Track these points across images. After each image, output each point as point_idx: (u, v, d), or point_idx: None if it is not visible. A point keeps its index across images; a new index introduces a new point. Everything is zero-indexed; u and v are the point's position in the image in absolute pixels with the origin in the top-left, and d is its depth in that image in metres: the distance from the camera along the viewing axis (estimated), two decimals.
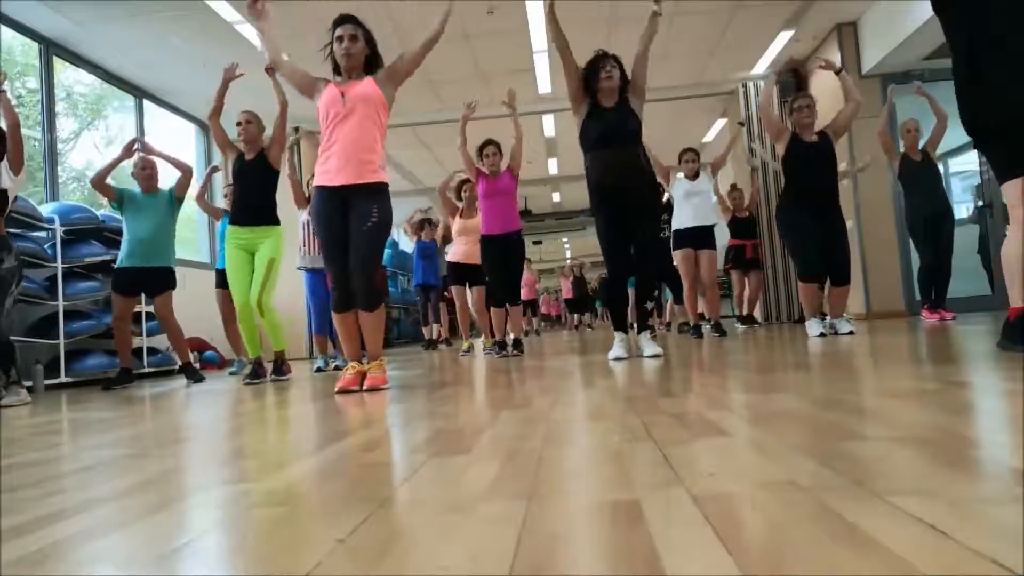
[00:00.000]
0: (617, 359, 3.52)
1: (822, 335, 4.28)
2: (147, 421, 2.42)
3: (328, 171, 2.87)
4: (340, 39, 2.87)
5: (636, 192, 3.55)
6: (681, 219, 5.79)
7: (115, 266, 4.64)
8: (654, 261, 3.80)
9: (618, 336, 3.67)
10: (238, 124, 4.11)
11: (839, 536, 0.66)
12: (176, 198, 4.75)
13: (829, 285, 4.47)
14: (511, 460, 1.15)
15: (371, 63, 2.97)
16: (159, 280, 4.66)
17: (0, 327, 3.58)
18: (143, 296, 5.14)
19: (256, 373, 4.05)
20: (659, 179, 5.15)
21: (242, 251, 4.09)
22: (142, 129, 7.28)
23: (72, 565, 0.77)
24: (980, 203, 6.73)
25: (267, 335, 4.15)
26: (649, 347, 3.57)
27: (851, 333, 4.28)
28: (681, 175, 5.91)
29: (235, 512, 0.98)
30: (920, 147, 5.50)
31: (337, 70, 2.96)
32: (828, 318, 4.52)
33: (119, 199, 4.62)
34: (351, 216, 2.85)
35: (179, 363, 5.13)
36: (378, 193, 2.87)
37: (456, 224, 5.79)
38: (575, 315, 15.74)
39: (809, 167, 4.33)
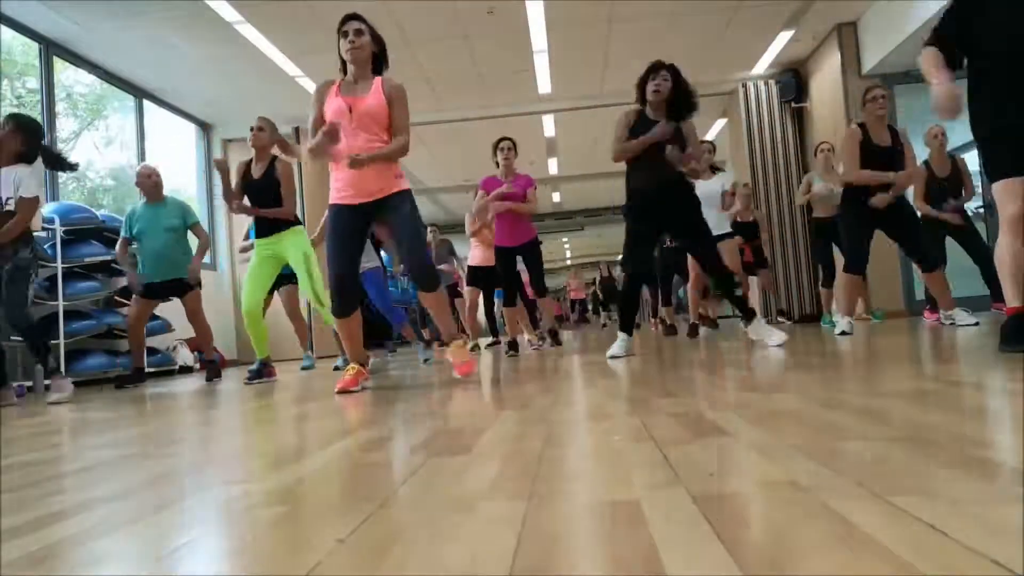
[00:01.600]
0: (613, 357, 3.57)
1: (843, 334, 4.24)
2: (147, 421, 2.42)
3: (345, 192, 2.88)
4: (346, 34, 2.88)
5: (674, 191, 3.61)
6: None
7: (141, 282, 4.64)
8: (715, 255, 3.75)
9: (621, 336, 3.72)
10: (251, 129, 4.15)
11: (839, 536, 0.66)
12: (187, 225, 4.76)
13: (922, 274, 4.30)
14: (511, 460, 1.15)
15: (378, 61, 2.97)
16: (184, 285, 4.71)
17: (28, 315, 3.64)
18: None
19: (260, 373, 4.09)
20: None
21: (270, 259, 4.16)
22: (142, 129, 7.27)
23: (72, 565, 0.77)
24: (980, 203, 6.72)
25: (298, 336, 4.19)
26: (773, 336, 3.56)
27: (976, 324, 4.09)
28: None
29: (235, 512, 0.98)
30: (948, 153, 5.26)
31: (344, 68, 2.96)
32: (840, 315, 4.43)
33: (129, 229, 4.64)
34: (388, 219, 2.92)
35: (179, 364, 5.14)
36: (402, 197, 2.91)
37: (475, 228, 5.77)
38: (601, 311, 15.95)
39: (877, 166, 4.15)
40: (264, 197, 4.12)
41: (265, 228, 4.17)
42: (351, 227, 2.89)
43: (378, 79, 2.93)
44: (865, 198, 4.16)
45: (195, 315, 4.74)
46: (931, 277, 4.27)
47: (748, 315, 3.75)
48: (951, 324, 4.24)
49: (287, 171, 4.17)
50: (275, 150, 4.20)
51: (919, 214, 5.03)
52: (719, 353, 3.59)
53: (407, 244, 2.92)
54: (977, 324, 4.10)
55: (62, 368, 3.79)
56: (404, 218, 2.90)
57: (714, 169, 5.78)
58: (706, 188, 5.68)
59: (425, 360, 4.74)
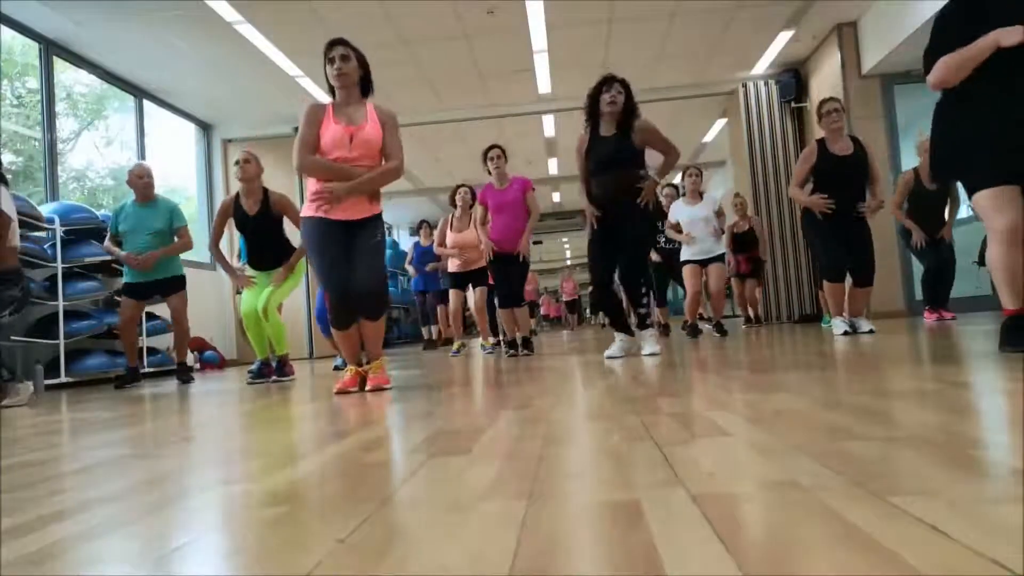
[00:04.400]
0: (611, 357, 3.60)
1: (845, 333, 4.28)
2: (147, 421, 2.42)
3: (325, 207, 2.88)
4: (332, 60, 2.87)
5: (624, 206, 3.64)
6: (684, 250, 5.77)
7: (124, 281, 4.67)
8: (636, 274, 3.85)
9: (618, 336, 3.75)
10: (236, 163, 4.08)
11: (839, 536, 0.66)
12: (171, 228, 4.73)
13: (850, 285, 4.41)
14: (511, 460, 1.15)
15: (364, 85, 2.97)
16: (172, 285, 4.72)
17: None
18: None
19: (261, 373, 4.10)
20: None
21: (264, 279, 4.20)
22: (142, 129, 7.28)
23: (72, 565, 0.77)
24: None
25: (271, 338, 4.18)
26: (648, 345, 3.63)
27: (871, 331, 4.28)
28: (681, 200, 5.86)
29: (235, 512, 0.98)
30: None
31: (332, 91, 2.96)
32: (849, 316, 4.47)
33: (115, 227, 4.65)
34: (356, 237, 2.86)
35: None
36: (376, 221, 2.93)
37: (449, 238, 5.73)
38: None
39: (836, 179, 4.24)
40: (263, 231, 4.11)
41: (264, 262, 4.17)
42: (336, 239, 2.84)
43: (371, 106, 2.93)
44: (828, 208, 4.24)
45: (178, 315, 4.72)
46: (863, 292, 4.40)
47: (642, 324, 3.85)
48: (848, 333, 4.30)
49: (286, 202, 4.15)
50: (261, 181, 4.15)
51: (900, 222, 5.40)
52: (719, 353, 3.59)
53: (359, 270, 2.83)
54: (872, 332, 4.29)
55: (21, 378, 3.80)
56: (366, 246, 2.86)
57: (700, 194, 5.86)
58: (695, 212, 5.71)
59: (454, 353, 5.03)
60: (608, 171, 3.67)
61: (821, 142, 4.38)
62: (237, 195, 4.13)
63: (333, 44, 2.90)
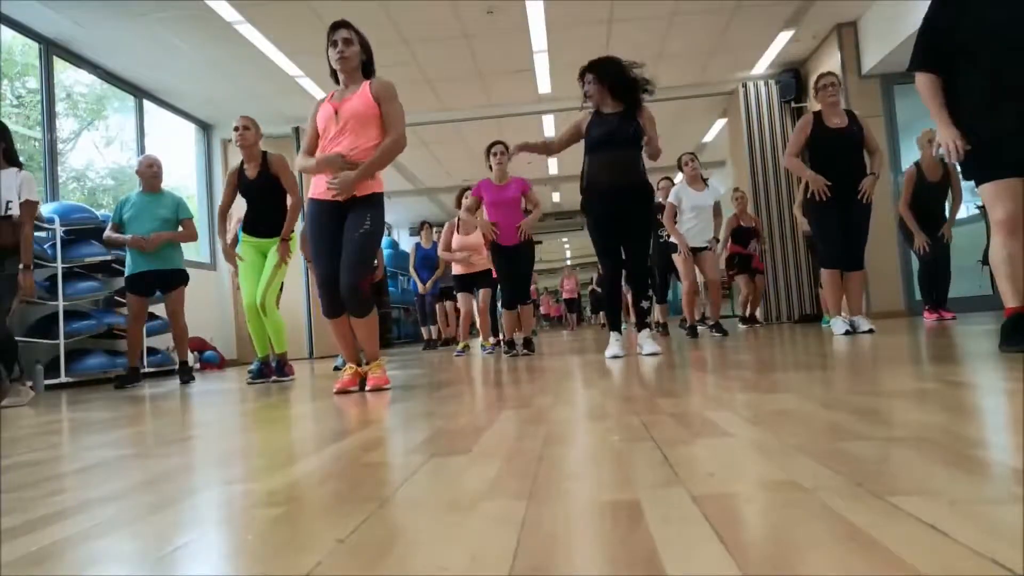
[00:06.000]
0: (614, 357, 3.58)
1: (846, 333, 4.22)
2: (147, 421, 2.42)
3: (326, 186, 2.85)
4: (335, 43, 2.87)
5: (629, 194, 3.60)
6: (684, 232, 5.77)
7: (126, 274, 4.68)
8: (644, 263, 3.82)
9: (613, 335, 3.76)
10: (235, 129, 4.08)
11: (839, 536, 0.66)
12: (178, 219, 4.75)
13: (846, 271, 4.35)
14: (511, 460, 1.15)
15: (367, 68, 2.97)
16: (172, 278, 4.72)
17: (4, 325, 3.62)
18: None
19: (261, 372, 4.09)
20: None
21: (256, 252, 4.14)
22: (142, 129, 7.28)
23: (72, 565, 0.77)
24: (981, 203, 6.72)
25: (270, 336, 4.16)
26: (648, 345, 3.61)
27: (871, 331, 4.23)
28: (682, 180, 5.83)
29: (235, 512, 0.98)
30: (943, 163, 5.22)
31: (336, 77, 2.96)
32: (849, 316, 4.41)
33: (119, 216, 4.65)
34: (346, 223, 2.84)
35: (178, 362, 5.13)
36: (372, 203, 2.86)
37: (455, 241, 5.77)
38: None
39: (833, 153, 4.20)
40: (265, 195, 4.07)
41: (259, 231, 4.11)
42: (332, 223, 2.85)
43: (366, 81, 2.91)
44: (827, 189, 4.18)
45: (175, 314, 4.72)
46: (856, 276, 4.34)
47: (644, 324, 3.84)
48: (848, 333, 4.23)
49: (282, 162, 4.09)
50: (260, 147, 4.12)
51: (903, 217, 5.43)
52: (719, 353, 3.59)
53: (346, 259, 2.79)
54: (872, 331, 4.22)
55: (25, 378, 3.82)
56: (355, 232, 2.80)
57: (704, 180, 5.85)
58: (698, 199, 5.69)
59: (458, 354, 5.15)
60: (607, 149, 3.59)
61: (817, 114, 4.34)
62: (241, 163, 4.12)
63: (336, 27, 2.90)
